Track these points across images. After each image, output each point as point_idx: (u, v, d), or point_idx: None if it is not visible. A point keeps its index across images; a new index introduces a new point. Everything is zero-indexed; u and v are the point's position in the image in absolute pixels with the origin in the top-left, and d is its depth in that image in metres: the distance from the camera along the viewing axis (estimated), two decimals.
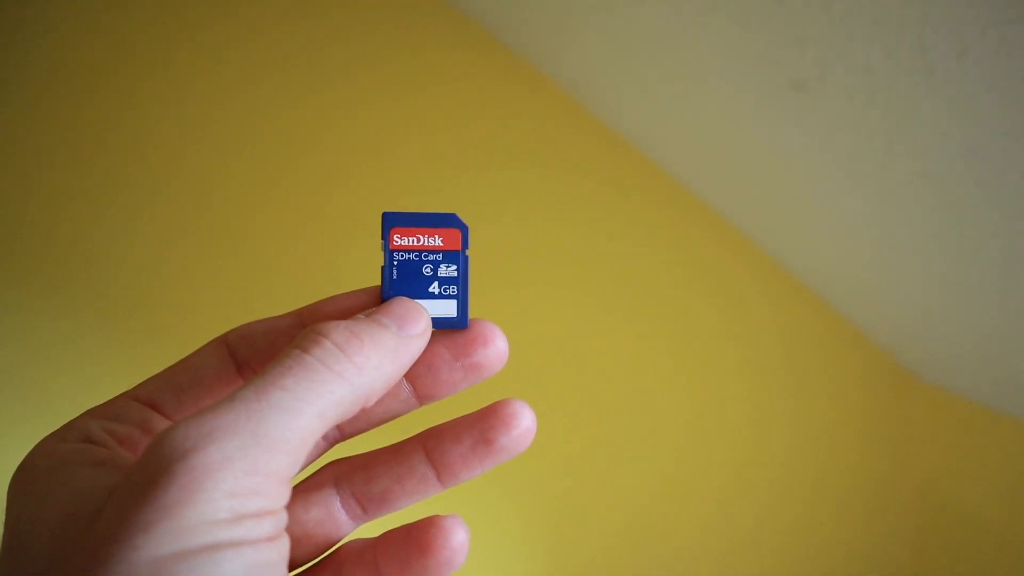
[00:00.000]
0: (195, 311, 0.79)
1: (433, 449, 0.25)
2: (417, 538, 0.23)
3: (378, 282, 0.26)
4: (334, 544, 0.25)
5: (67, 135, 0.76)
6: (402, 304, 0.24)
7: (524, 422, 0.25)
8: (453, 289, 0.26)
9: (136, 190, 0.78)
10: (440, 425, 0.25)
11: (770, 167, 0.75)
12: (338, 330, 0.22)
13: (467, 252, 0.26)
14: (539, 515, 0.89)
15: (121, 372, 0.76)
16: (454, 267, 0.26)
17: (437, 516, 0.24)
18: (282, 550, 0.19)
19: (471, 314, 0.26)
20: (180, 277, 0.79)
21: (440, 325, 0.25)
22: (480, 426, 0.25)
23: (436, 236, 0.26)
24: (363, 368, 0.21)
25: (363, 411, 0.23)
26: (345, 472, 0.25)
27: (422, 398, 0.26)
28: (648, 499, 0.92)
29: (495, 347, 0.25)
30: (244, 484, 0.18)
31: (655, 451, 0.93)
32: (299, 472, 0.21)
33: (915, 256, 0.73)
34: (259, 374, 0.20)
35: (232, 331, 0.26)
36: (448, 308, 0.26)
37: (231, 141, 0.81)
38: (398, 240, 0.26)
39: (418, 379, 0.25)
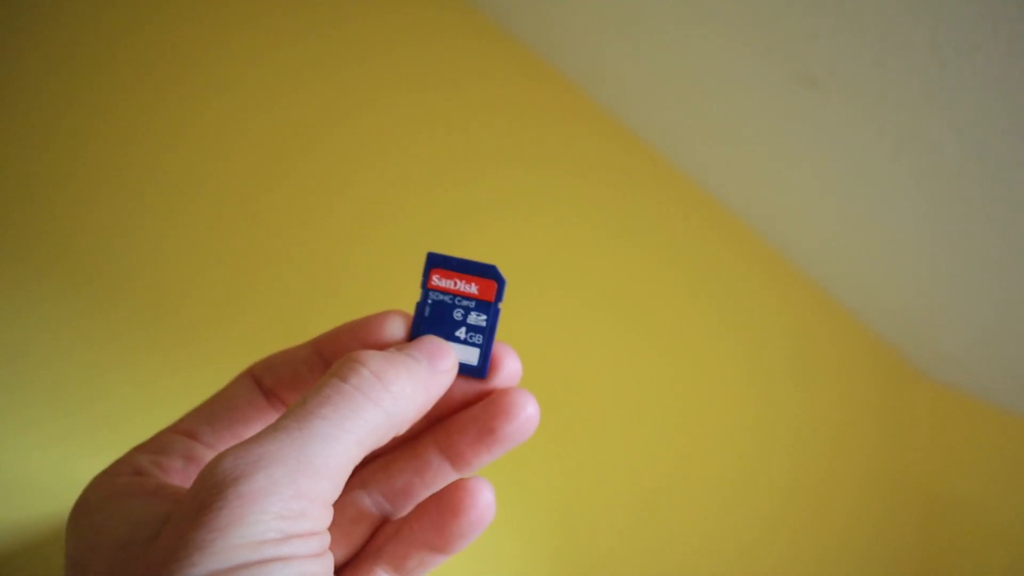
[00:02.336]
0: (229, 318, 0.79)
1: (443, 441, 0.26)
2: (448, 503, 0.25)
3: (393, 307, 0.27)
4: (366, 539, 0.27)
5: (103, 133, 0.77)
6: (432, 342, 0.26)
7: (527, 411, 0.26)
8: (479, 338, 0.27)
9: (171, 193, 0.78)
10: (448, 418, 0.27)
11: (779, 162, 0.75)
12: (375, 359, 0.23)
13: (500, 305, 0.27)
14: (540, 517, 0.89)
15: (154, 375, 0.77)
16: (484, 317, 0.27)
17: (463, 479, 0.26)
18: (327, 564, 0.21)
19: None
20: (219, 282, 0.80)
21: (460, 371, 0.26)
22: (484, 416, 0.26)
23: (473, 284, 0.27)
24: (398, 397, 0.23)
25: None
26: (369, 474, 0.27)
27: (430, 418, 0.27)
28: (653, 499, 0.92)
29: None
30: (291, 507, 0.20)
31: (661, 450, 0.93)
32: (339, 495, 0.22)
33: (924, 252, 0.73)
34: (299, 403, 0.22)
35: (256, 364, 0.27)
36: (470, 355, 0.27)
37: (259, 144, 0.81)
38: (437, 281, 0.27)
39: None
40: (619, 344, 0.92)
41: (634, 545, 0.91)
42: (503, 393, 0.26)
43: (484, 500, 0.25)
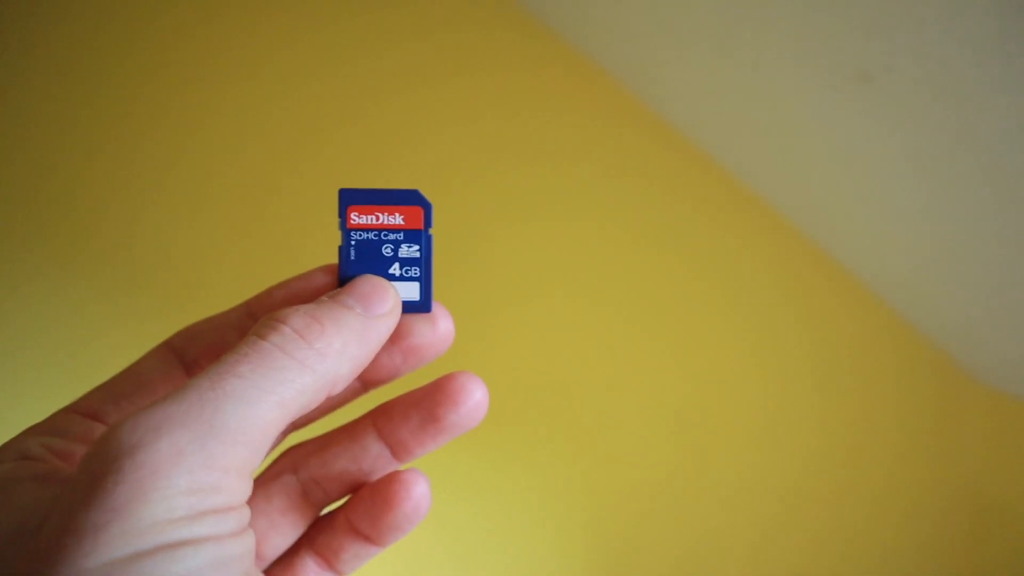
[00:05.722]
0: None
1: (383, 427, 0.25)
2: (382, 495, 0.24)
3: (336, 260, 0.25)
4: (301, 531, 0.25)
5: (124, 121, 0.78)
6: (367, 282, 0.23)
7: (474, 397, 0.24)
8: (415, 271, 0.25)
9: (192, 179, 0.79)
10: (390, 402, 0.25)
11: (829, 160, 0.74)
12: (297, 315, 0.21)
13: (430, 231, 0.25)
14: (569, 505, 0.88)
15: None
16: (416, 247, 0.25)
17: (397, 471, 0.24)
18: (247, 543, 0.19)
19: (438, 299, 0.25)
20: (240, 268, 0.80)
21: (403, 309, 0.24)
22: (427, 403, 0.24)
23: (397, 214, 0.25)
24: (325, 354, 0.20)
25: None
26: (301, 457, 0.25)
27: (366, 384, 0.26)
28: (692, 501, 0.91)
29: (437, 327, 0.24)
30: (202, 480, 0.17)
31: (704, 454, 0.92)
32: (260, 465, 0.20)
33: (980, 254, 0.71)
34: (214, 363, 0.19)
35: (177, 333, 0.25)
36: (411, 291, 0.25)
37: (285, 131, 0.81)
38: (356, 219, 0.24)
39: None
40: (665, 344, 0.91)
41: (661, 543, 0.90)
42: (449, 378, 0.24)
43: (419, 492, 0.24)
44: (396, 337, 0.24)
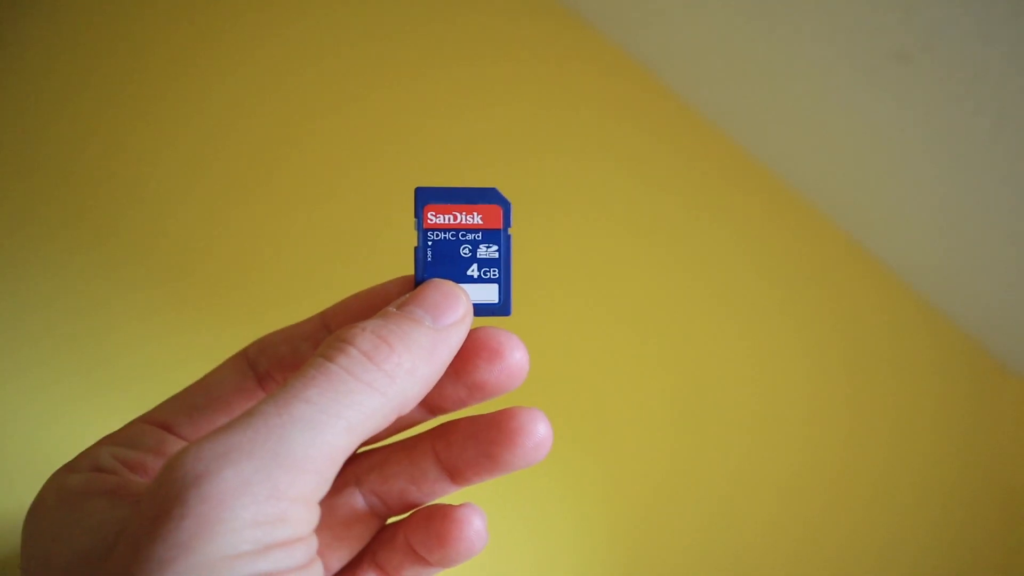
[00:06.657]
0: (257, 276, 0.78)
1: (442, 452, 0.24)
2: (436, 530, 0.23)
3: (412, 270, 0.24)
4: (365, 542, 0.25)
5: (130, 90, 0.77)
6: (437, 288, 0.22)
7: (534, 437, 0.23)
8: (494, 272, 0.24)
9: (196, 141, 0.77)
10: (450, 424, 0.24)
11: (862, 144, 0.72)
12: (364, 335, 0.20)
13: (510, 231, 0.24)
14: (597, 513, 0.88)
15: (176, 332, 0.75)
16: (495, 247, 0.24)
17: (451, 507, 0.24)
18: (315, 575, 0.18)
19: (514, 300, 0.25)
20: (248, 236, 0.78)
21: (480, 312, 0.24)
22: (484, 438, 0.23)
23: (475, 213, 0.24)
24: (394, 376, 0.20)
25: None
26: (364, 470, 0.24)
27: (432, 410, 0.24)
28: (719, 500, 0.91)
29: (505, 363, 0.23)
30: (268, 511, 0.17)
31: (727, 448, 0.91)
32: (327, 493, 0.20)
33: (1013, 241, 0.70)
34: (280, 386, 0.19)
35: (252, 344, 0.25)
36: (489, 293, 0.24)
37: (301, 98, 0.81)
38: (432, 218, 0.24)
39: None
40: (689, 336, 0.90)
41: (698, 546, 0.90)
42: (508, 414, 0.23)
43: (472, 531, 0.23)
44: (462, 371, 0.23)
